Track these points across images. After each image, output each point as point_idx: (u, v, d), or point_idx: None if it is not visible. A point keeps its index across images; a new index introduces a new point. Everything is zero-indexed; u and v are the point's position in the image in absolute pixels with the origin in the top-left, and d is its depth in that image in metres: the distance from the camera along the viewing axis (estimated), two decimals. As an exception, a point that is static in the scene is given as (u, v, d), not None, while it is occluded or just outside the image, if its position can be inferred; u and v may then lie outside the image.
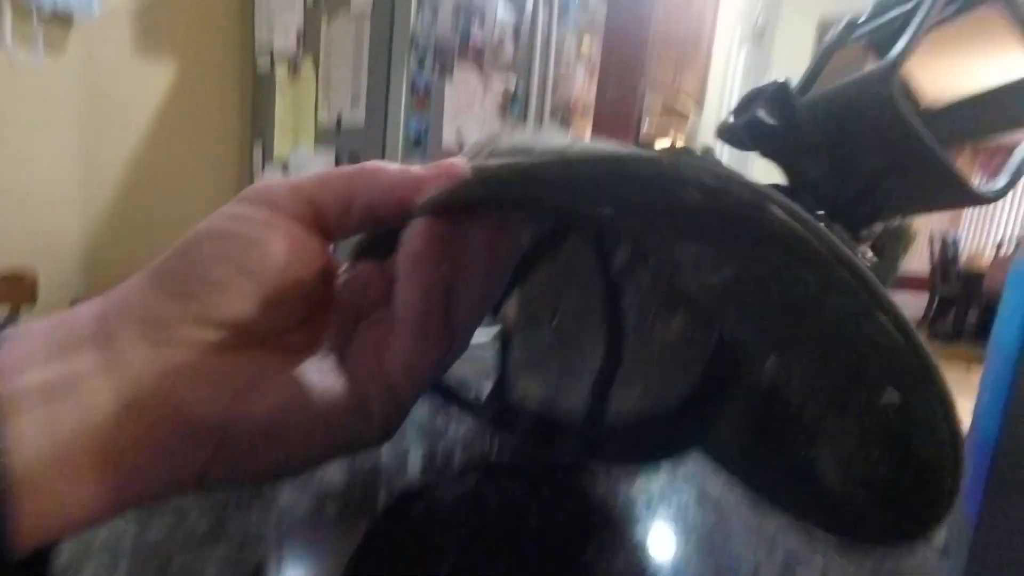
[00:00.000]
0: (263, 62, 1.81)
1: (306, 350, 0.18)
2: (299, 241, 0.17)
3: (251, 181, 1.89)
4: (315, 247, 0.18)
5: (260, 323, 0.17)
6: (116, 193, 1.68)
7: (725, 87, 3.15)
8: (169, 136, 1.76)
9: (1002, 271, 4.16)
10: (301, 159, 1.73)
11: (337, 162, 1.62)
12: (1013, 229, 7.07)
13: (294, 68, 1.71)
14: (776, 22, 3.61)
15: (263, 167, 1.89)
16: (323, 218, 0.18)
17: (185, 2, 1.71)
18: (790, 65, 3.57)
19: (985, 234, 7.30)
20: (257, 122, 1.89)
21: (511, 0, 1.66)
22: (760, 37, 3.43)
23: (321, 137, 1.66)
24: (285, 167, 1.80)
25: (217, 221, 0.17)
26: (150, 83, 1.70)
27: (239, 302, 0.16)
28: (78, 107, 1.56)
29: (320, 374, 0.18)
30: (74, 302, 1.51)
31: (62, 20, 1.45)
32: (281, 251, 0.17)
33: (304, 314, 0.18)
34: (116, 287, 0.17)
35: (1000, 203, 7.46)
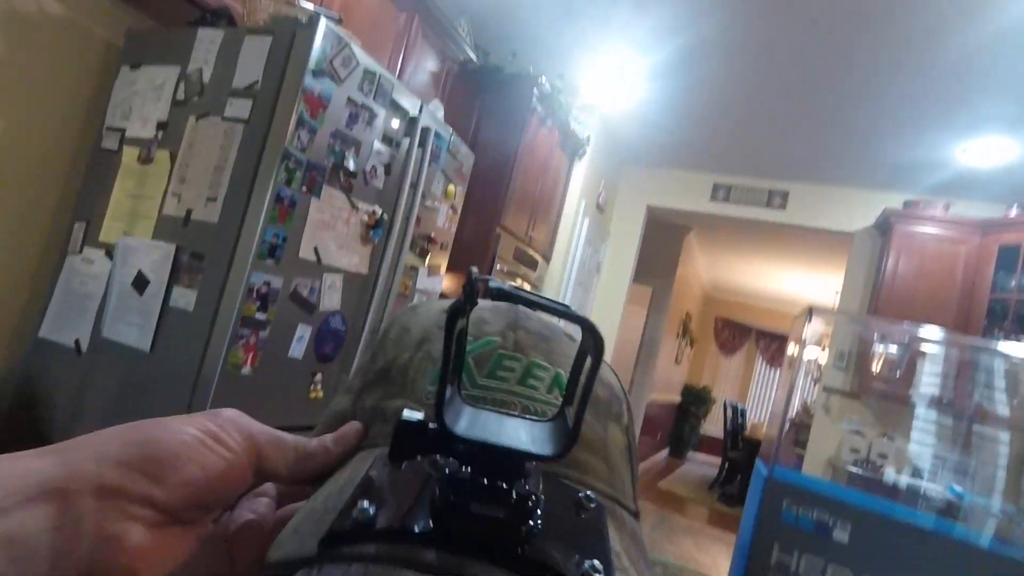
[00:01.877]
0: (110, 141, 1.70)
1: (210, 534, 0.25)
2: (245, 469, 0.25)
3: (62, 261, 1.69)
4: (249, 475, 0.26)
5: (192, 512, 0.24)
6: None
7: (571, 246, 3.52)
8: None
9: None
10: (132, 247, 1.59)
11: (177, 255, 1.50)
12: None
13: (146, 155, 1.62)
14: (614, 200, 4.19)
15: (81, 248, 1.69)
16: (264, 462, 0.27)
17: (34, 61, 1.59)
18: (622, 240, 4.11)
19: (766, 407, 8.56)
20: (84, 200, 1.72)
21: (387, 138, 1.77)
22: (601, 211, 3.95)
23: (163, 228, 1.55)
24: (109, 252, 1.63)
25: (198, 429, 0.24)
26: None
27: (188, 496, 0.23)
28: None
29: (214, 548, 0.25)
30: None
31: None
32: (236, 474, 0.25)
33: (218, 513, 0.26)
34: (74, 445, 0.22)
35: (775, 384, 8.75)
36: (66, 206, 1.76)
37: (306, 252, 1.57)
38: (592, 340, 0.22)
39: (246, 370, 1.47)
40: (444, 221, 2.15)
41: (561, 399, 0.30)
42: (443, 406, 0.22)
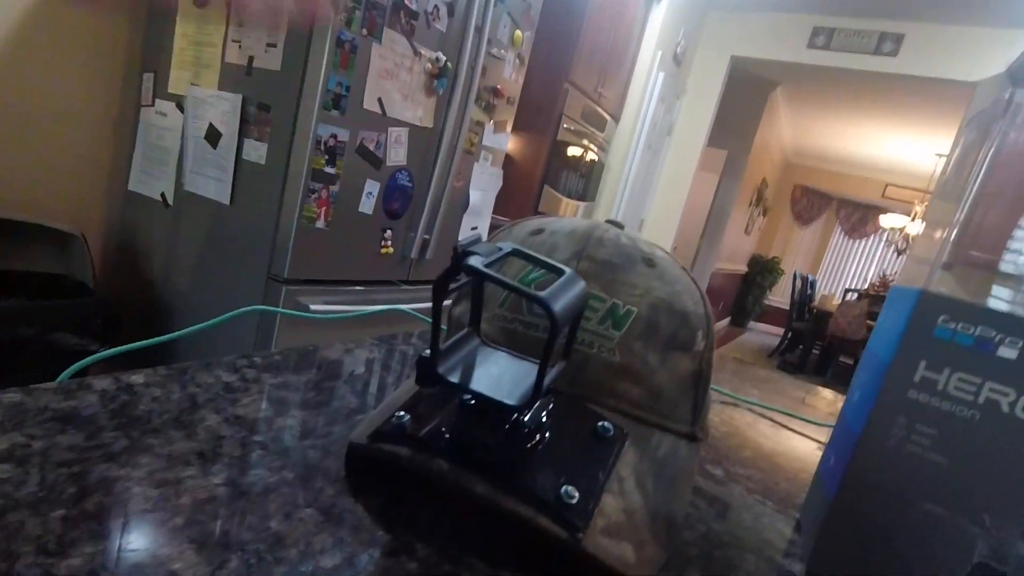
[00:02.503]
0: (168, -15, 1.65)
1: None
2: None
3: (137, 114, 1.73)
4: None
5: None
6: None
7: (642, 105, 3.30)
8: (38, 47, 1.56)
9: (843, 318, 4.65)
10: (201, 99, 1.60)
11: (245, 106, 1.51)
12: (859, 283, 8.09)
13: (203, -1, 1.57)
14: (694, 51, 3.83)
15: (153, 101, 1.72)
16: None
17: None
18: (699, 98, 3.81)
19: (838, 280, 8.29)
20: (149, 51, 1.72)
21: (450, -25, 1.63)
22: (678, 64, 3.63)
23: (227, 78, 1.54)
24: (180, 104, 1.65)
25: None
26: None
27: None
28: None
29: None
30: None
31: None
32: None
33: None
34: None
35: (851, 257, 8.36)
36: (134, 57, 1.77)
37: (370, 103, 1.53)
38: (550, 319, 0.23)
39: (320, 224, 1.52)
40: (511, 72, 2.04)
41: (614, 329, 0.33)
42: (435, 360, 0.25)
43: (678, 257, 4.70)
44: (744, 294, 7.58)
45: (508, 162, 2.75)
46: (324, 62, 1.39)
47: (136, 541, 0.21)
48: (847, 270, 8.30)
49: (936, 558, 0.28)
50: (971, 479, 0.27)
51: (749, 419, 0.58)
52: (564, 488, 0.25)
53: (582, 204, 3.20)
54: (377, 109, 1.55)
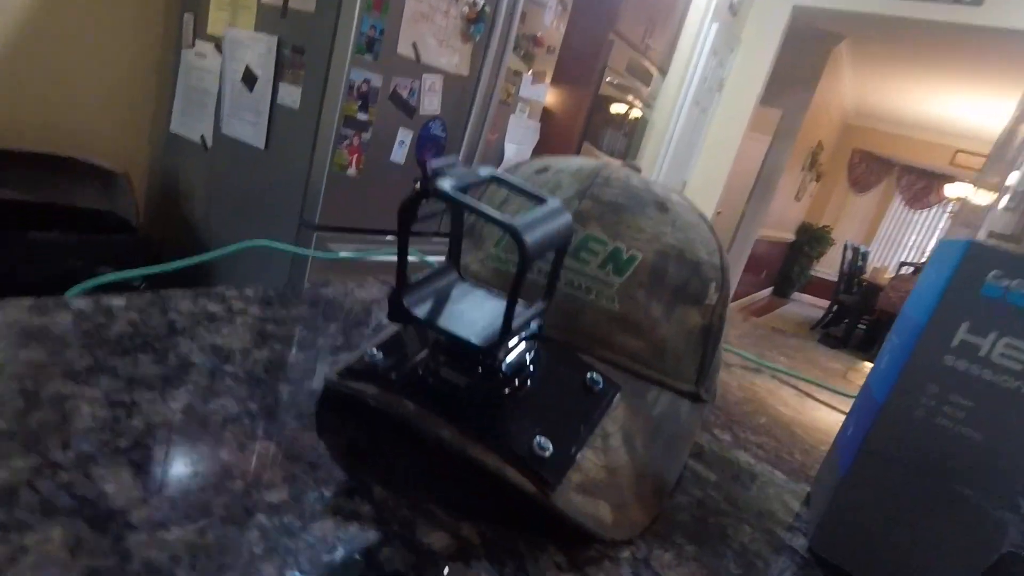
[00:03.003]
0: (206, -79, 1.62)
1: None
2: None
3: (178, 56, 1.73)
4: None
5: None
6: (16, 37, 1.49)
7: (691, 58, 3.14)
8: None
9: (896, 292, 4.45)
10: (238, 40, 1.58)
11: (280, 49, 1.49)
12: (916, 256, 7.66)
13: (240, -64, 1.54)
14: (752, 1, 3.61)
15: (193, 42, 1.72)
16: None
17: None
18: (754, 51, 3.60)
19: (893, 253, 7.89)
20: (191, -11, 1.71)
21: (492, -88, 1.55)
22: (734, 14, 3.42)
23: (263, 19, 1.52)
24: (219, 45, 1.64)
25: None
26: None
27: None
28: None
29: None
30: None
31: None
32: None
33: None
34: None
35: (910, 228, 7.95)
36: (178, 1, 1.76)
37: (404, 48, 1.49)
38: (519, 248, 0.20)
39: (351, 172, 1.51)
40: (552, 19, 1.95)
41: (615, 275, 0.30)
42: (401, 294, 0.23)
43: (721, 222, 4.55)
44: (790, 263, 7.34)
45: (546, 115, 2.67)
46: (357, 3, 1.35)
47: (71, 459, 0.20)
48: (904, 242, 7.89)
49: (959, 544, 0.25)
50: (1009, 459, 0.24)
51: (772, 386, 0.55)
52: (537, 439, 0.23)
53: (623, 162, 3.10)
54: (411, 54, 1.51)
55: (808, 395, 0.56)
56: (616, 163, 0.36)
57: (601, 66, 2.58)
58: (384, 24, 1.42)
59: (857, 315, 5.07)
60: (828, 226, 7.63)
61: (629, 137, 3.09)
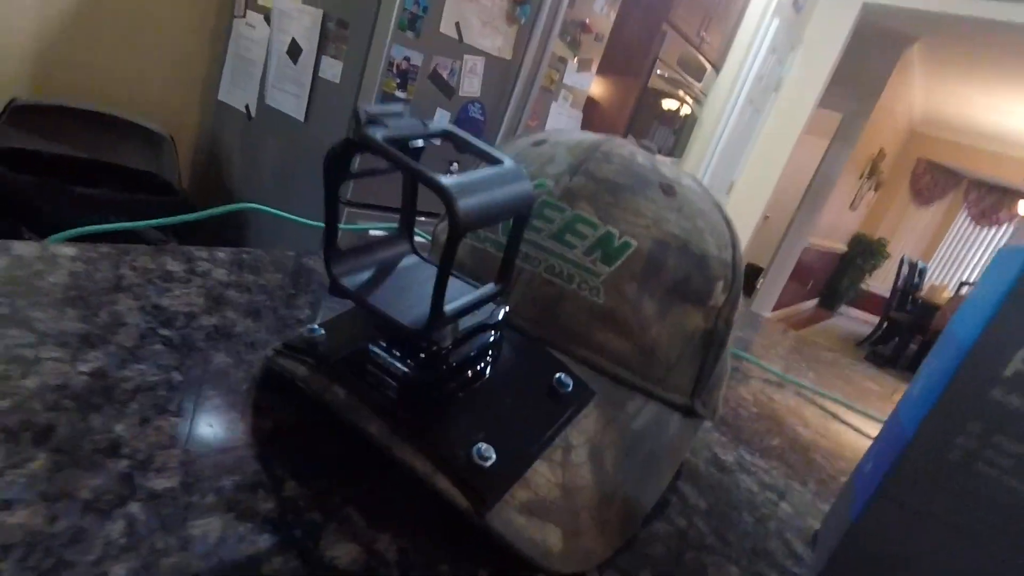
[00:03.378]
0: None
1: None
2: None
3: (230, 24, 1.74)
4: None
5: None
6: (75, 5, 1.52)
7: (748, 55, 3.01)
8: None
9: (954, 312, 4.32)
10: (286, 11, 1.58)
11: (324, 22, 1.48)
12: (979, 276, 7.22)
13: (294, -97, 1.53)
14: None
15: (244, 11, 1.73)
16: None
17: None
18: (817, 50, 3.43)
19: (954, 271, 7.49)
20: (246, -41, 1.72)
21: None
22: (797, 11, 3.27)
23: (309, -9, 1.51)
24: (268, 17, 1.64)
25: None
26: None
27: None
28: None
29: None
30: (12, 103, 1.40)
31: None
32: None
33: None
34: None
35: (974, 246, 7.53)
36: (231, -35, 1.77)
37: (447, 27, 1.46)
38: (448, 213, 0.17)
39: (385, 147, 1.49)
40: (603, 6, 1.89)
41: (603, 263, 0.26)
42: (331, 259, 0.21)
43: (768, 228, 4.39)
44: (839, 275, 7.04)
45: (590, 105, 2.60)
46: (402, -22, 1.33)
47: (-68, 422, 0.17)
48: (966, 260, 7.45)
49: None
50: (1061, 519, 0.19)
51: (794, 403, 0.49)
52: (478, 446, 0.20)
53: (668, 160, 3.01)
54: (454, 34, 1.48)
55: (835, 416, 0.50)
56: (619, 139, 0.31)
57: (652, 58, 2.49)
58: (428, 1, 1.39)
59: (909, 334, 4.82)
60: (884, 239, 7.29)
61: (677, 134, 2.99)
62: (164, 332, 0.26)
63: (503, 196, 0.18)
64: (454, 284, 0.22)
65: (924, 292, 5.41)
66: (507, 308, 0.24)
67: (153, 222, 0.39)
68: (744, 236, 3.60)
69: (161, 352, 0.24)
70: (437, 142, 0.22)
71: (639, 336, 0.26)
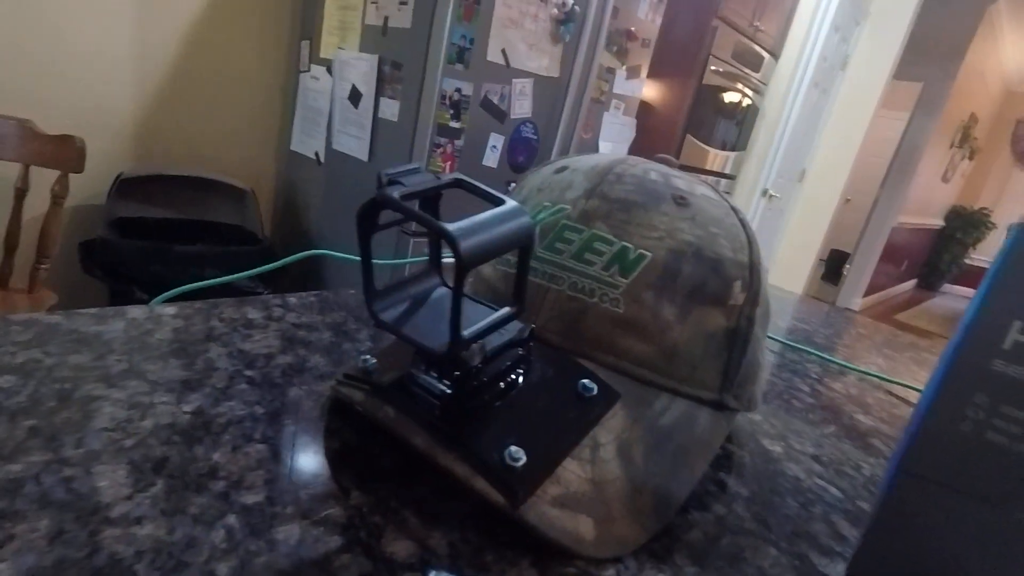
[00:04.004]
0: (314, -44, 1.76)
1: None
2: None
3: (297, 79, 1.89)
4: None
5: None
6: (167, 77, 1.70)
7: (808, 38, 2.90)
8: (221, 23, 1.76)
9: None
10: (345, 60, 1.69)
11: (380, 66, 1.57)
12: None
13: (345, -36, 1.65)
14: (880, -31, 3.26)
15: (309, 66, 1.86)
16: None
17: None
18: (886, 21, 3.24)
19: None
20: (306, 19, 1.86)
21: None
22: (858, -17, 3.11)
23: (367, 39, 1.61)
24: (329, 68, 1.77)
25: None
26: (205, -32, 1.67)
27: None
28: (133, -13, 1.56)
29: None
30: (120, 177, 1.58)
31: None
32: None
33: None
34: None
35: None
36: (295, 26, 1.92)
37: (494, 55, 1.52)
38: (454, 254, 0.20)
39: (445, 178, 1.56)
40: (647, 12, 1.89)
41: (620, 276, 0.28)
42: (370, 298, 0.24)
43: (851, 211, 4.15)
44: (938, 252, 6.53)
45: (647, 110, 2.59)
46: (448, 15, 1.39)
47: (79, 456, 0.22)
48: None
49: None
50: (1077, 487, 0.19)
51: (855, 391, 0.49)
52: (509, 449, 0.23)
53: (732, 154, 2.93)
54: (501, 60, 1.53)
55: (905, 401, 0.49)
56: (633, 159, 0.33)
57: (704, 55, 2.46)
58: (474, 33, 1.46)
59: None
60: (986, 208, 6.71)
61: (740, 126, 2.91)
62: (248, 373, 0.30)
63: (503, 232, 0.21)
64: (476, 309, 0.25)
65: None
66: (533, 326, 0.27)
67: (231, 277, 0.45)
68: (823, 222, 3.43)
69: (246, 390, 0.29)
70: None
71: (660, 339, 0.28)
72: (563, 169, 0.34)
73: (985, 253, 6.80)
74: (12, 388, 0.25)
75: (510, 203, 0.22)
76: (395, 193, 0.21)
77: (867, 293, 4.88)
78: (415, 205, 0.24)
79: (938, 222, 6.39)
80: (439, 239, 0.26)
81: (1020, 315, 0.20)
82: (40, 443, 0.22)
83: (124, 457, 0.23)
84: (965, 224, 6.49)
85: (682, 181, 0.32)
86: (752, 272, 0.30)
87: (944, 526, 0.22)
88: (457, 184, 0.24)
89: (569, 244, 0.30)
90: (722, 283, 0.29)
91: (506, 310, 0.24)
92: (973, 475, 0.21)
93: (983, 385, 0.21)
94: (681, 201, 0.30)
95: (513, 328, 0.26)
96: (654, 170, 0.32)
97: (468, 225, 0.20)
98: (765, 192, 3.09)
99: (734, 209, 0.32)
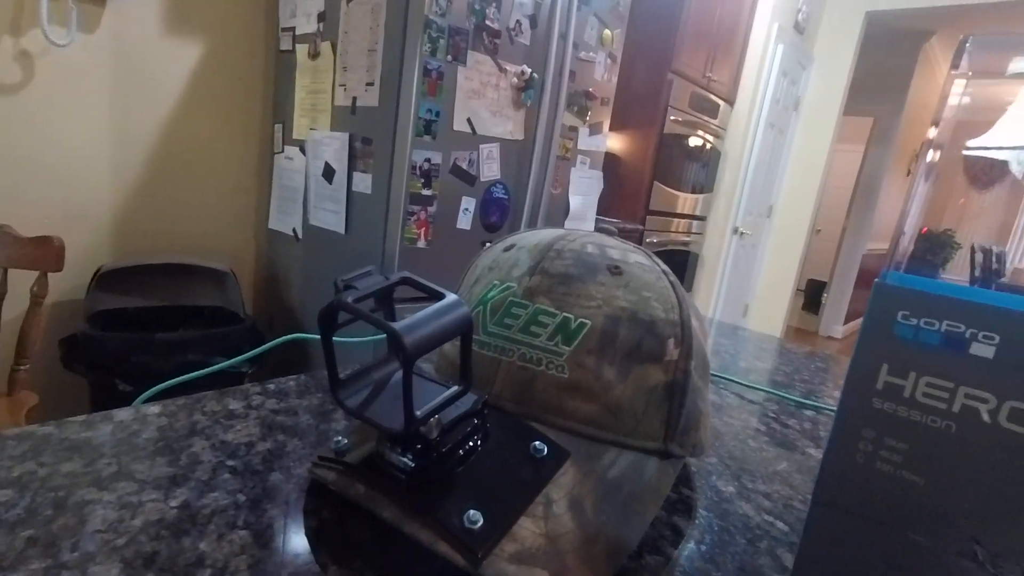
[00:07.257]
0: (285, 42, 1.85)
1: None
2: None
3: (271, 159, 1.95)
4: None
5: None
6: (144, 167, 1.76)
7: (759, 85, 3.07)
8: (196, 112, 1.83)
9: None
10: (318, 140, 1.76)
11: (351, 143, 1.64)
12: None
13: (314, 50, 1.74)
14: (820, 14, 3.49)
15: (283, 147, 1.93)
16: None
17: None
18: (830, 63, 3.45)
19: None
20: (278, 104, 1.94)
21: (528, -13, 1.65)
22: (801, 32, 3.32)
23: (337, 119, 1.68)
24: (303, 148, 1.83)
25: None
26: (179, 61, 1.75)
27: None
28: (109, 83, 1.62)
29: None
30: (99, 271, 1.61)
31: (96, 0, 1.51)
32: None
33: None
34: None
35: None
36: (268, 111, 2.00)
37: (460, 124, 1.59)
38: (399, 349, 0.23)
39: (421, 244, 1.61)
40: (603, 72, 2.00)
41: (564, 344, 0.32)
42: (335, 388, 0.27)
43: (822, 241, 4.27)
44: (911, 275, 6.68)
45: (614, 162, 2.69)
46: (414, 92, 1.47)
47: (75, 559, 0.24)
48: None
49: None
50: (953, 502, 0.22)
51: (809, 425, 0.52)
52: (468, 512, 0.25)
53: (701, 196, 3.04)
54: (467, 129, 1.61)
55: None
56: (573, 233, 0.37)
57: (663, 107, 2.59)
58: (439, 106, 1.53)
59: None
60: (950, 229, 6.93)
61: (706, 169, 3.03)
62: (230, 463, 0.33)
63: (443, 324, 0.24)
64: (430, 389, 0.28)
65: (1007, 277, 5.06)
66: (487, 397, 0.30)
67: (210, 369, 0.47)
68: (795, 255, 3.53)
69: (229, 480, 0.31)
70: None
71: (604, 398, 0.31)
72: (511, 247, 0.38)
73: (956, 272, 6.97)
74: (10, 501, 0.27)
75: (450, 297, 0.26)
76: (349, 298, 0.24)
77: (847, 320, 4.97)
78: (370, 304, 0.27)
79: (907, 246, 6.56)
80: (390, 329, 0.29)
81: (887, 359, 0.23)
82: (38, 551, 0.24)
83: (117, 556, 0.25)
84: (932, 245, 6.68)
85: (616, 251, 0.36)
86: (684, 329, 0.33)
87: (856, 551, 0.25)
88: (405, 282, 0.28)
89: (516, 319, 0.33)
90: (656, 342, 0.32)
91: (455, 388, 0.27)
92: (871, 502, 0.24)
93: (868, 421, 0.24)
94: (615, 271, 0.34)
95: (468, 401, 0.29)
96: (591, 243, 0.36)
97: (411, 322, 0.23)
98: (736, 229, 3.19)
99: (665, 272, 0.36)
